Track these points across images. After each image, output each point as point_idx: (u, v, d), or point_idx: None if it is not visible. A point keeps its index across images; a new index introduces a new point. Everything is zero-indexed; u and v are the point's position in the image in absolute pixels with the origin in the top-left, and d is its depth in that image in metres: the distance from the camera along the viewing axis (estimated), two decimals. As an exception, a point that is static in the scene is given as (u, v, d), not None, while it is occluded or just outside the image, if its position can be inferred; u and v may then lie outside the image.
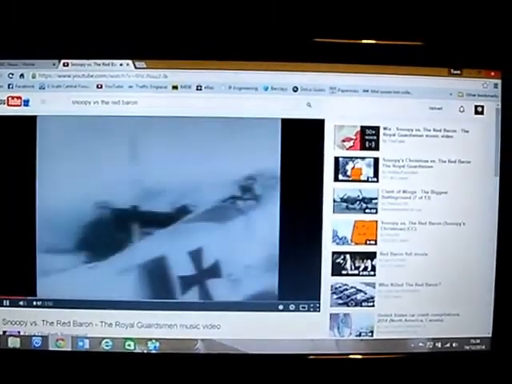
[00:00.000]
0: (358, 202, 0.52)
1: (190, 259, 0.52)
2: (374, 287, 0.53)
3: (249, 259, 0.52)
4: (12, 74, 0.51)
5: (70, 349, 0.53)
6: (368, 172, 0.52)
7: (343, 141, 0.52)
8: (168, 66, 0.51)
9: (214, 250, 0.52)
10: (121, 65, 0.51)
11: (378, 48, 0.52)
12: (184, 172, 0.51)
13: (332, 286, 0.53)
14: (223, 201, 0.51)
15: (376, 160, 0.52)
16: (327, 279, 0.53)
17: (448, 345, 0.54)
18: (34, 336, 0.52)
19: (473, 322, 0.54)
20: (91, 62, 0.51)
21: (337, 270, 0.53)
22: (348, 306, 0.53)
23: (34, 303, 0.52)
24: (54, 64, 0.51)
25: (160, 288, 0.52)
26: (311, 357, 0.53)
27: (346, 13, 0.54)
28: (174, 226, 0.51)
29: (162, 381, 0.53)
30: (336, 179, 0.52)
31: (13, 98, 0.51)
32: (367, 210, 0.52)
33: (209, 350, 0.53)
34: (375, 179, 0.52)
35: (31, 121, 0.51)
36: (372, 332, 0.53)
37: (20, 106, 0.51)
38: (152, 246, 0.52)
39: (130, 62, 0.51)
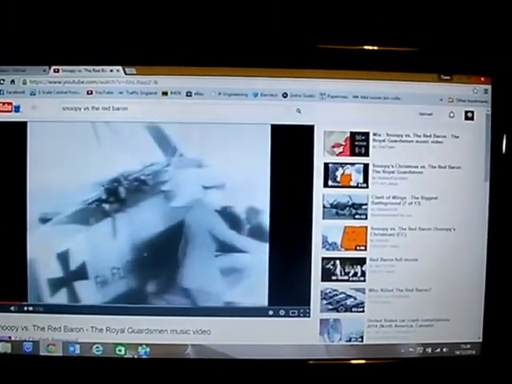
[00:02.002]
0: (347, 208, 0.52)
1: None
2: (363, 293, 0.53)
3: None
4: (3, 80, 0.51)
5: (61, 354, 0.53)
6: (358, 178, 0.52)
7: (333, 147, 0.52)
8: (158, 73, 0.51)
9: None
10: (111, 71, 0.51)
11: (367, 54, 0.52)
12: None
13: (322, 292, 0.53)
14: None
15: (366, 166, 0.52)
16: (317, 285, 0.53)
17: (438, 350, 0.54)
18: (25, 341, 0.53)
19: (463, 327, 0.54)
20: (82, 68, 0.51)
21: (327, 275, 0.53)
22: (338, 311, 0.53)
23: (25, 308, 0.52)
24: (44, 70, 0.51)
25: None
26: (301, 362, 0.53)
27: (335, 20, 0.54)
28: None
29: (152, 386, 0.54)
30: (326, 185, 0.52)
31: (3, 103, 0.51)
32: (357, 216, 0.52)
33: (199, 355, 0.53)
34: (365, 185, 0.52)
35: (22, 127, 0.51)
36: (362, 337, 0.54)
37: (11, 111, 0.51)
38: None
39: (120, 68, 0.51)
